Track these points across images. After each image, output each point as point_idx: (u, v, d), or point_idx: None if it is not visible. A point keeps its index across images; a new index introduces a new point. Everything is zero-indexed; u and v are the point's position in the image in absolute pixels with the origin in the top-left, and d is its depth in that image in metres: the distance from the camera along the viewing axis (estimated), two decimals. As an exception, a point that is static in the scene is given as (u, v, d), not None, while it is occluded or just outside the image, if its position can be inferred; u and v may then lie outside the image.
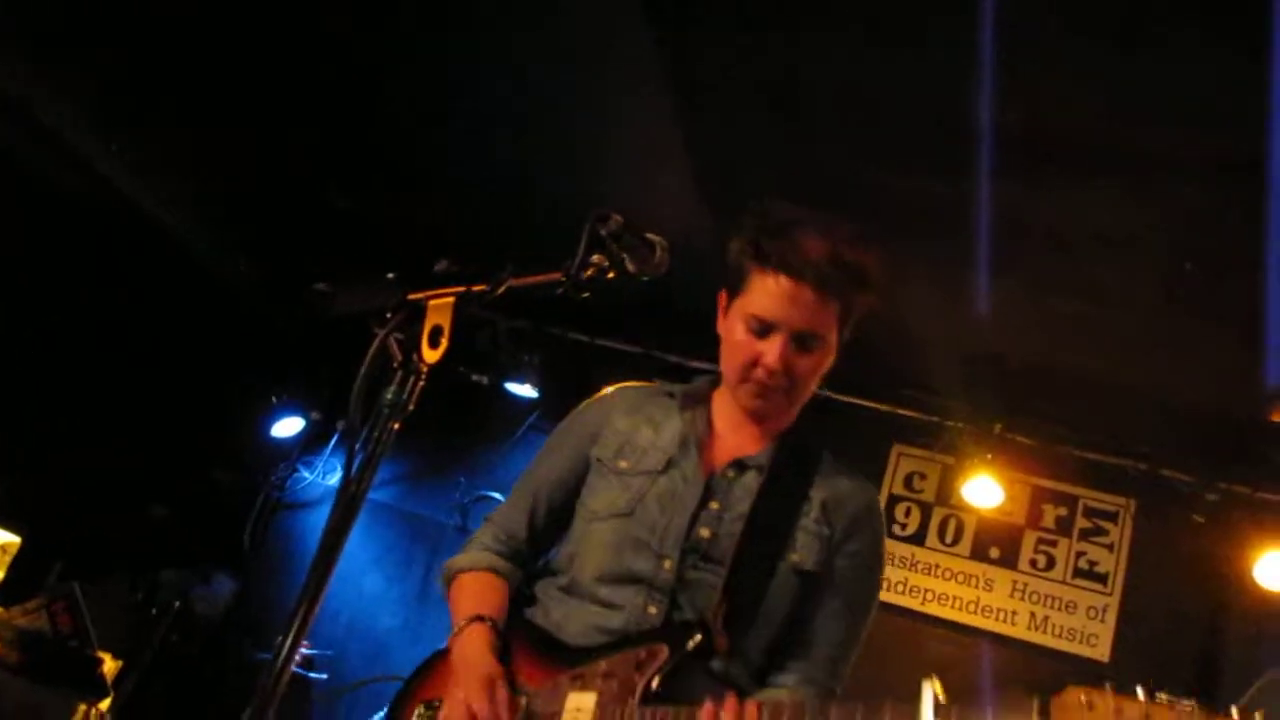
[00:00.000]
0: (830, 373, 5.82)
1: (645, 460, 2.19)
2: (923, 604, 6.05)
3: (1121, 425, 5.79)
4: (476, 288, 1.41)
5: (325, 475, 7.03)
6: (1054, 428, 5.91)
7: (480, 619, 2.14)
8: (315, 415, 6.99)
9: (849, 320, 2.15)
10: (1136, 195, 4.16)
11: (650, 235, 1.80)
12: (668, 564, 2.08)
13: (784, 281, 2.05)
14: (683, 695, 1.95)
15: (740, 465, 2.18)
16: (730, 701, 1.82)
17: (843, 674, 2.17)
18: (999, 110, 3.86)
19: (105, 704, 4.62)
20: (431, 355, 1.33)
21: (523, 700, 2.06)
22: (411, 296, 1.31)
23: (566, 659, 2.07)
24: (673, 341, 6.04)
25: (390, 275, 1.30)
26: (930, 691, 1.64)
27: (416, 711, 2.20)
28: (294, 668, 5.18)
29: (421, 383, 1.34)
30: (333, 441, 7.03)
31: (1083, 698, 1.53)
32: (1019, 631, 5.89)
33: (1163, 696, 1.52)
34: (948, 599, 6.03)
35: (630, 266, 1.77)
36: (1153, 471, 5.86)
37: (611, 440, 2.24)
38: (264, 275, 6.18)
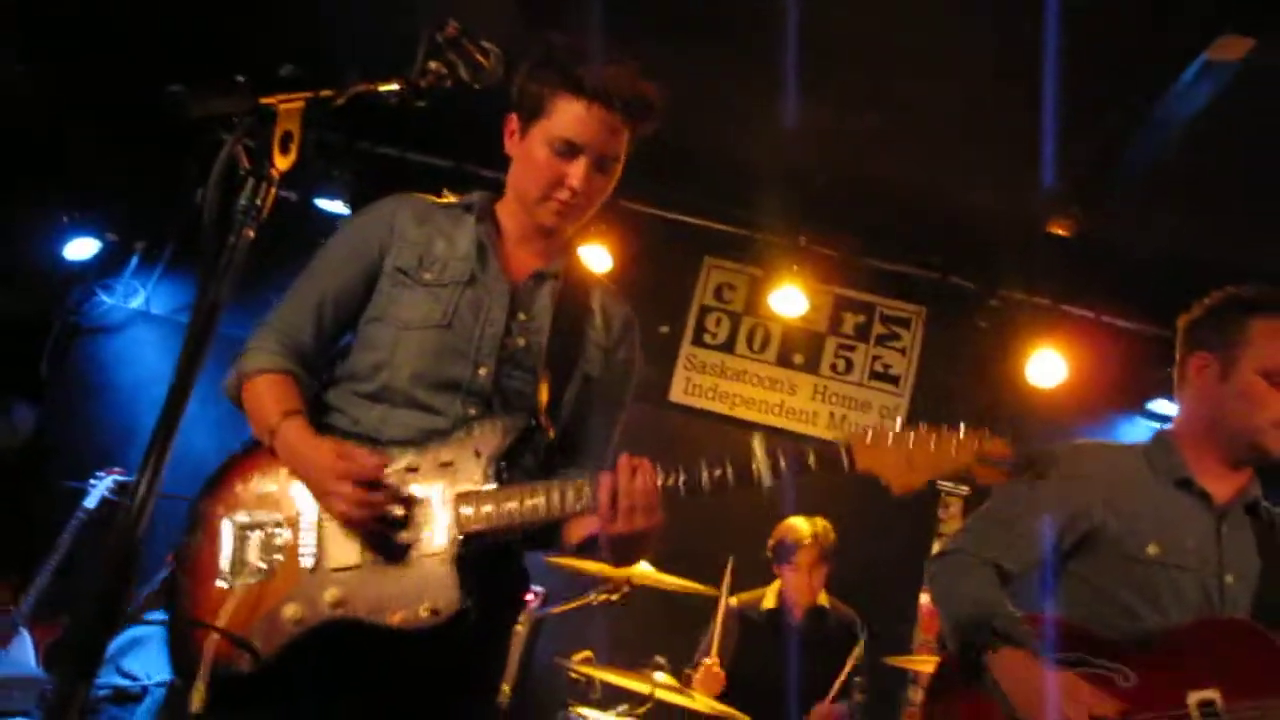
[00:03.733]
0: (645, 185, 5.98)
1: (448, 272, 2.27)
2: (731, 409, 6.40)
3: (916, 237, 6.15)
4: (324, 93, 1.42)
5: (127, 299, 6.75)
6: (854, 239, 6.22)
7: (298, 412, 2.16)
8: (111, 236, 6.64)
9: (633, 144, 2.30)
10: (925, 11, 4.32)
11: (485, 43, 1.84)
12: (483, 370, 2.21)
13: (593, 107, 2.18)
14: (520, 479, 2.14)
15: (539, 276, 2.34)
16: (644, 460, 2.03)
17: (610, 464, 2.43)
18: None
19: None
20: (283, 161, 1.35)
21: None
22: (263, 101, 1.31)
23: (391, 454, 2.15)
24: (488, 155, 5.97)
25: (240, 79, 1.29)
26: (759, 438, 2.04)
27: (229, 531, 2.16)
28: (107, 494, 5.07)
29: (274, 189, 1.35)
30: (133, 263, 6.73)
31: (869, 431, 2.03)
32: (818, 430, 6.33)
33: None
34: (755, 403, 6.40)
35: (464, 75, 1.80)
36: (943, 280, 6.28)
37: (408, 251, 2.29)
38: (45, 80, 5.71)
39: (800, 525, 5.01)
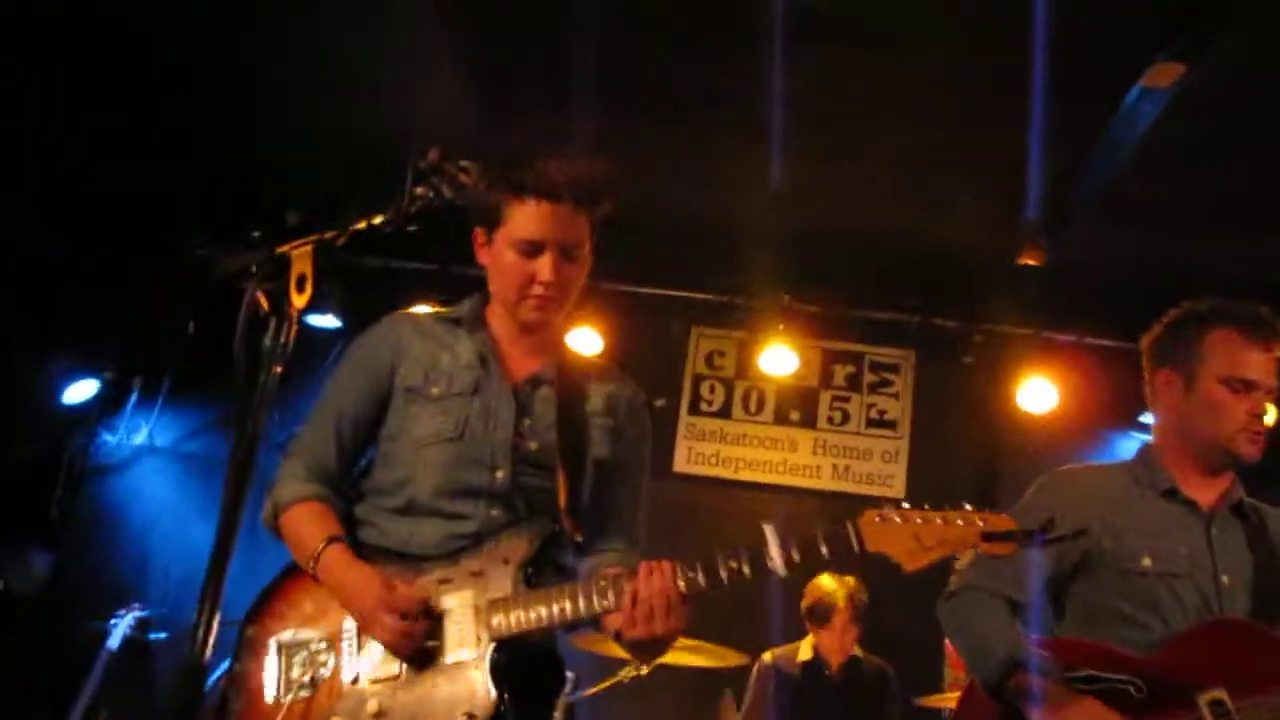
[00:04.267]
0: (627, 266, 6.12)
1: (455, 384, 2.36)
2: (736, 472, 6.49)
3: (896, 283, 6.30)
4: (328, 235, 1.54)
5: (130, 435, 6.84)
6: (836, 293, 6.37)
7: (338, 539, 2.27)
8: (109, 376, 6.75)
9: (596, 227, 2.40)
10: (891, 61, 4.50)
11: (463, 162, 1.97)
12: (500, 474, 2.31)
13: (543, 205, 2.30)
14: (549, 580, 2.25)
15: (535, 380, 2.43)
16: (663, 563, 2.13)
17: (643, 532, 2.53)
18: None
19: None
20: (300, 300, 1.47)
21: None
22: (279, 250, 1.42)
23: (424, 568, 2.25)
24: (470, 254, 6.12)
25: (256, 234, 1.41)
26: (771, 529, 2.09)
27: (276, 651, 2.27)
28: (129, 632, 5.09)
29: (295, 326, 1.47)
30: (132, 400, 6.82)
31: (876, 515, 2.07)
32: (823, 483, 6.42)
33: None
34: (758, 464, 6.49)
35: (448, 194, 1.93)
36: (926, 323, 6.43)
37: (414, 368, 2.39)
38: (42, 229, 5.86)
39: (834, 589, 5.11)
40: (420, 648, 2.16)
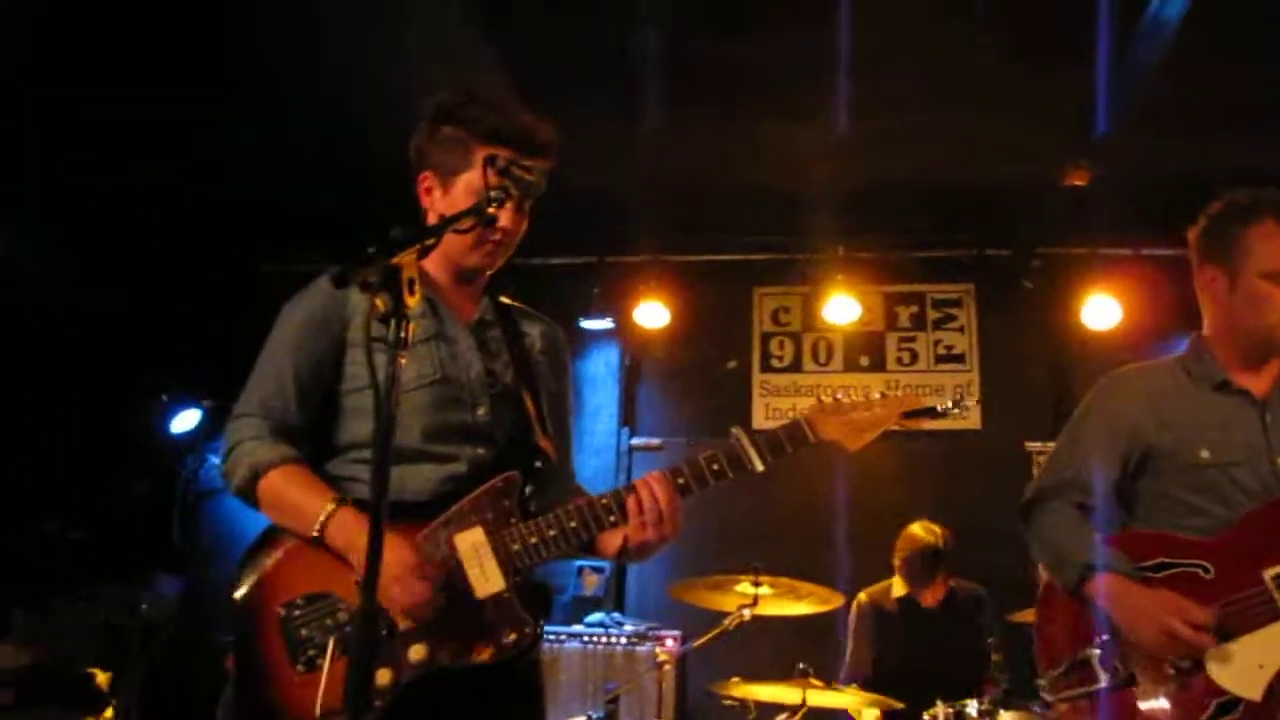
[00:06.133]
0: (686, 237, 6.28)
1: (416, 331, 2.27)
2: (813, 423, 6.64)
3: (949, 221, 6.42)
4: (429, 241, 1.77)
5: (236, 456, 7.19)
6: (891, 236, 6.52)
7: (345, 500, 2.24)
8: (208, 403, 7.13)
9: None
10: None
11: (526, 161, 2.20)
12: (481, 410, 2.39)
13: (520, 155, 2.31)
14: (546, 506, 2.32)
15: (482, 322, 2.51)
16: (655, 473, 2.29)
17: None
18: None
19: (109, 713, 4.87)
20: (412, 301, 1.70)
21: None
22: (393, 261, 1.66)
23: (421, 513, 2.27)
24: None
25: (372, 250, 1.65)
26: (741, 431, 2.31)
27: (290, 620, 2.22)
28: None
29: (411, 323, 1.70)
30: (233, 423, 7.18)
31: (819, 408, 2.37)
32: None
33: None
34: (834, 412, 6.64)
35: (515, 192, 2.16)
36: (982, 255, 6.55)
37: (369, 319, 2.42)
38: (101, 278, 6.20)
39: (923, 540, 5.22)
40: (444, 592, 2.20)
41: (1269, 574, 2.50)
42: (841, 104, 5.21)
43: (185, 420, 7.11)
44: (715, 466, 2.27)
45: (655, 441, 6.87)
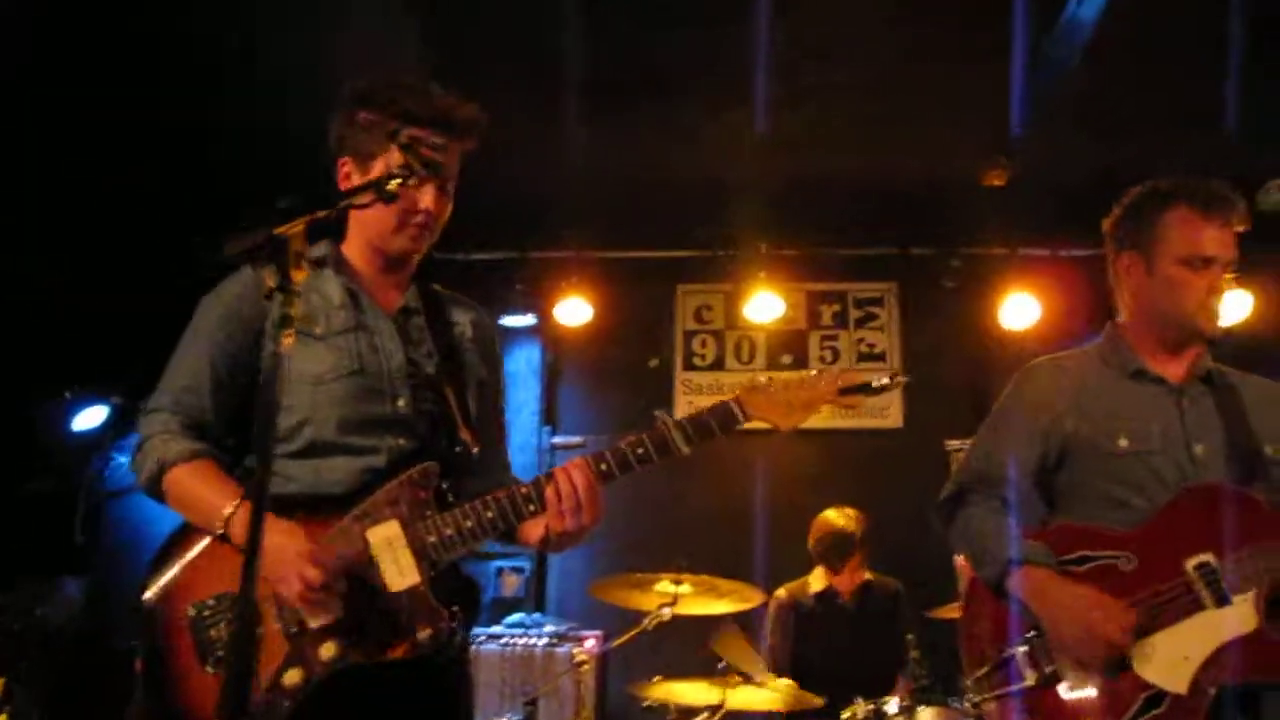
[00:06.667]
0: (607, 233, 6.19)
1: (334, 322, 2.35)
2: (736, 421, 6.62)
3: (870, 219, 6.43)
4: (320, 214, 1.68)
5: (144, 455, 6.97)
6: (813, 234, 6.52)
7: (248, 496, 2.17)
8: (117, 400, 6.89)
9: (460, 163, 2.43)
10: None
11: (434, 139, 2.12)
12: (401, 401, 2.34)
13: (433, 135, 2.32)
14: (469, 497, 2.27)
15: (406, 310, 2.47)
16: (577, 460, 2.25)
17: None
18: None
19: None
20: (299, 275, 1.60)
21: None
22: (277, 231, 1.56)
23: (339, 506, 2.23)
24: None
25: (249, 220, 1.55)
26: (665, 414, 2.28)
27: (196, 620, 2.18)
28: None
29: (299, 298, 1.61)
30: (142, 420, 6.96)
31: (752, 386, 2.29)
32: (824, 421, 6.36)
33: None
34: (756, 410, 6.63)
35: (421, 170, 2.08)
36: (904, 253, 6.59)
37: None
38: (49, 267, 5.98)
39: (839, 525, 5.23)
40: (355, 585, 2.16)
41: (1190, 564, 2.50)
42: (763, 101, 5.19)
43: (91, 417, 6.85)
44: (640, 451, 2.23)
45: (577, 440, 6.79)
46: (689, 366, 6.80)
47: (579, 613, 6.02)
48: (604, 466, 2.23)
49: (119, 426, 6.97)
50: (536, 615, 6.03)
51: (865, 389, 2.30)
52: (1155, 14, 4.43)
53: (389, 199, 2.01)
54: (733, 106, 5.28)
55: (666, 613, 4.45)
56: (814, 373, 2.32)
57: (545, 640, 5.71)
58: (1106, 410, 2.71)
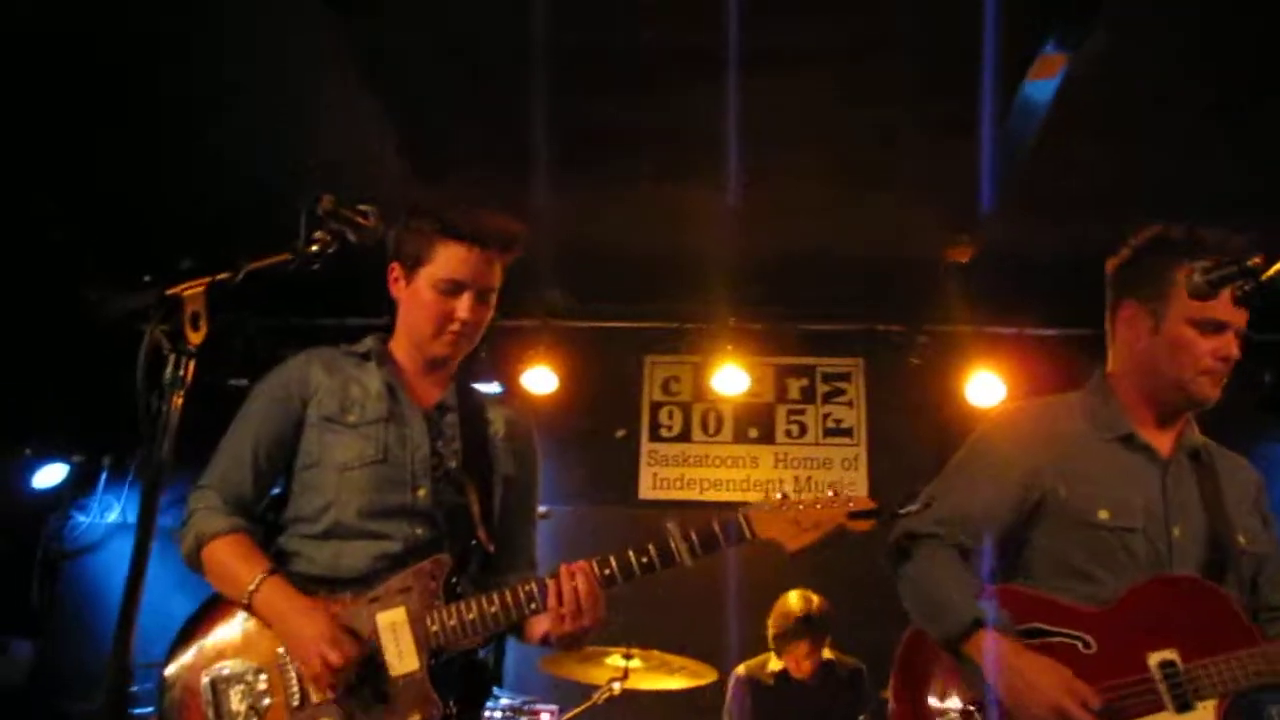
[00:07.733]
0: (573, 301, 6.16)
1: (368, 412, 2.52)
2: (701, 493, 6.61)
3: (839, 295, 6.45)
4: (221, 276, 1.67)
5: (103, 514, 6.90)
6: (779, 309, 6.53)
7: (276, 570, 2.37)
8: (77, 458, 6.83)
9: (504, 274, 2.61)
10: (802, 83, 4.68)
11: (361, 206, 2.10)
12: (421, 492, 2.47)
13: (471, 249, 2.50)
14: (471, 592, 2.41)
15: (442, 407, 2.61)
16: (581, 563, 2.33)
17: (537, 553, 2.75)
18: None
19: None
20: (195, 337, 1.59)
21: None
22: (170, 292, 1.55)
23: (351, 588, 2.39)
24: (363, 307, 6.23)
25: (146, 278, 1.53)
26: (672, 524, 2.37)
27: (210, 688, 2.33)
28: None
29: (193, 360, 1.59)
30: (102, 479, 6.89)
31: (763, 506, 2.37)
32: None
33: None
34: (721, 483, 6.61)
35: (351, 237, 2.06)
36: (871, 329, 6.60)
37: (328, 398, 2.53)
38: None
39: (796, 609, 5.17)
40: (359, 673, 2.28)
41: (1154, 660, 2.34)
42: (733, 175, 5.24)
43: (50, 475, 6.78)
44: (644, 560, 2.32)
45: (542, 509, 6.70)
46: (655, 438, 6.77)
47: (537, 685, 5.92)
48: (608, 572, 2.34)
49: (79, 485, 6.90)
50: (494, 688, 5.92)
51: (875, 514, 2.37)
52: (1104, 100, 4.49)
53: (304, 264, 1.99)
54: (703, 181, 5.32)
55: (616, 687, 4.42)
56: (829, 494, 2.40)
57: (500, 714, 5.60)
58: (1089, 474, 2.50)
